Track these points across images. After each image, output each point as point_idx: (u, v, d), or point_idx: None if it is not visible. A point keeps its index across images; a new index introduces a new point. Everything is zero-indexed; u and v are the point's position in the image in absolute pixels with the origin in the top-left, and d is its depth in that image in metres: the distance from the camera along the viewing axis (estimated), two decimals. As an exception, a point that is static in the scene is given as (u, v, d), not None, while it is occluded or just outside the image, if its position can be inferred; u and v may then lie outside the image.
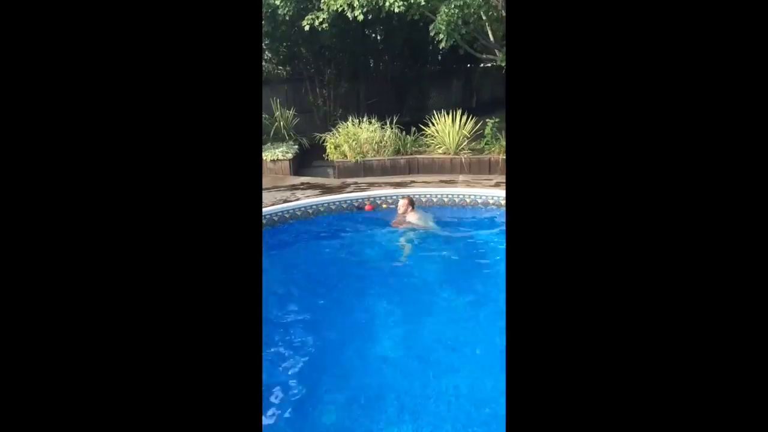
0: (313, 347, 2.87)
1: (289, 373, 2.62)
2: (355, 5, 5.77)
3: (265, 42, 7.92)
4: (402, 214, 4.71)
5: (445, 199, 5.37)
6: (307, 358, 2.75)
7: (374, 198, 5.28)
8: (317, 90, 9.05)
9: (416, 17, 6.33)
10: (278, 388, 2.47)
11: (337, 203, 5.21)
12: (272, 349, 2.78)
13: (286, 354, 2.78)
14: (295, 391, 2.46)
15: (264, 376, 2.48)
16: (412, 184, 5.80)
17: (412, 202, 4.80)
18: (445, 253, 4.25)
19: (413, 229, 4.58)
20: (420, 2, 5.67)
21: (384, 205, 5.09)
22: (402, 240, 4.49)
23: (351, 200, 5.27)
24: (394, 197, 5.16)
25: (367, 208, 5.21)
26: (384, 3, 5.76)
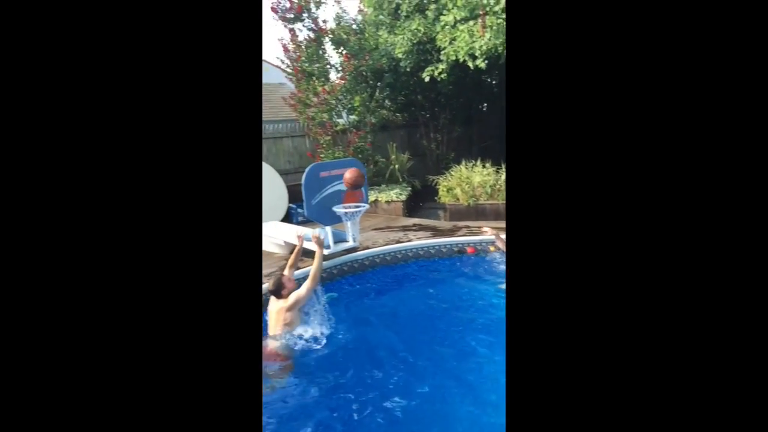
0: (416, 394, 2.84)
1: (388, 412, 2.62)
2: (477, 54, 5.95)
3: (387, 92, 8.50)
4: None
5: (564, 248, 5.04)
6: (407, 403, 2.72)
7: (486, 243, 5.18)
8: (431, 134, 9.36)
9: (535, 62, 6.28)
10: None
11: (448, 246, 5.22)
12: (372, 386, 2.82)
13: (384, 391, 2.79)
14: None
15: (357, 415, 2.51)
16: (527, 230, 5.57)
17: None
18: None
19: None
20: (540, 48, 5.63)
21: (491, 248, 4.95)
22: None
23: (463, 244, 5.23)
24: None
25: (469, 251, 5.11)
26: (502, 50, 5.85)
